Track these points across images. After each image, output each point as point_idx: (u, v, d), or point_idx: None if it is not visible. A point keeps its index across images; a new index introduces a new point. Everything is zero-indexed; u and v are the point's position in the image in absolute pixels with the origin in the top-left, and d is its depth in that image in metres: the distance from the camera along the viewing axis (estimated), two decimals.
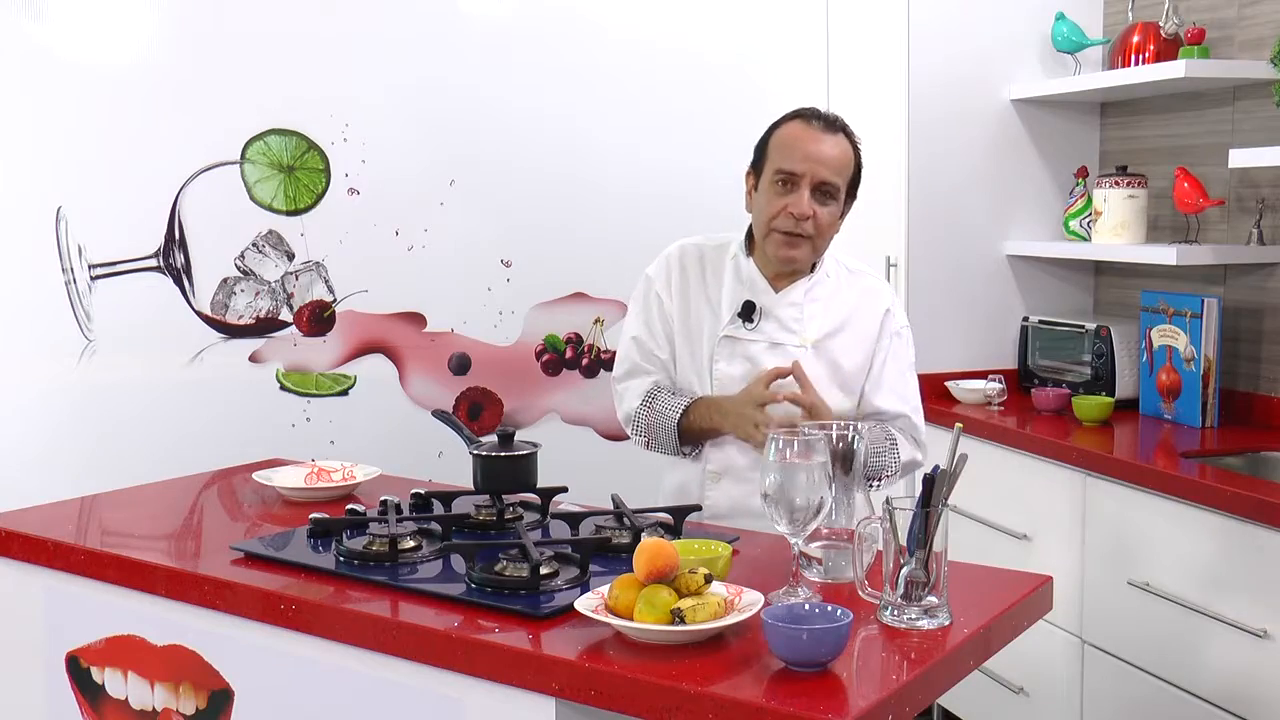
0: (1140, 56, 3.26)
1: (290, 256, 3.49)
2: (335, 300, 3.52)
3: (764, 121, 3.85)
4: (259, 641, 1.93)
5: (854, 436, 1.98)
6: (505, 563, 1.89)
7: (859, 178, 2.44)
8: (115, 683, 2.14)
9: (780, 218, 2.35)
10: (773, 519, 1.80)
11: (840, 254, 2.53)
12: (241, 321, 3.47)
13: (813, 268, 2.45)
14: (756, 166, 2.45)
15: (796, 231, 2.34)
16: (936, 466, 1.73)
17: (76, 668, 2.19)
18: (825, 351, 2.41)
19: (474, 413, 3.61)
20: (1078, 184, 3.57)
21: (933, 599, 1.71)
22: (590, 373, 3.63)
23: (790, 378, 2.31)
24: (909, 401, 2.48)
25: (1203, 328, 3.06)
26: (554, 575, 1.88)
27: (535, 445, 2.29)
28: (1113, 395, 3.29)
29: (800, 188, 2.34)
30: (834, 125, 2.40)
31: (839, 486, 1.95)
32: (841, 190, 2.38)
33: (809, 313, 2.42)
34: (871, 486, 2.33)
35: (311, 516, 2.18)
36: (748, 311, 2.41)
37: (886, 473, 2.40)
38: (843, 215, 2.44)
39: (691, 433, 2.42)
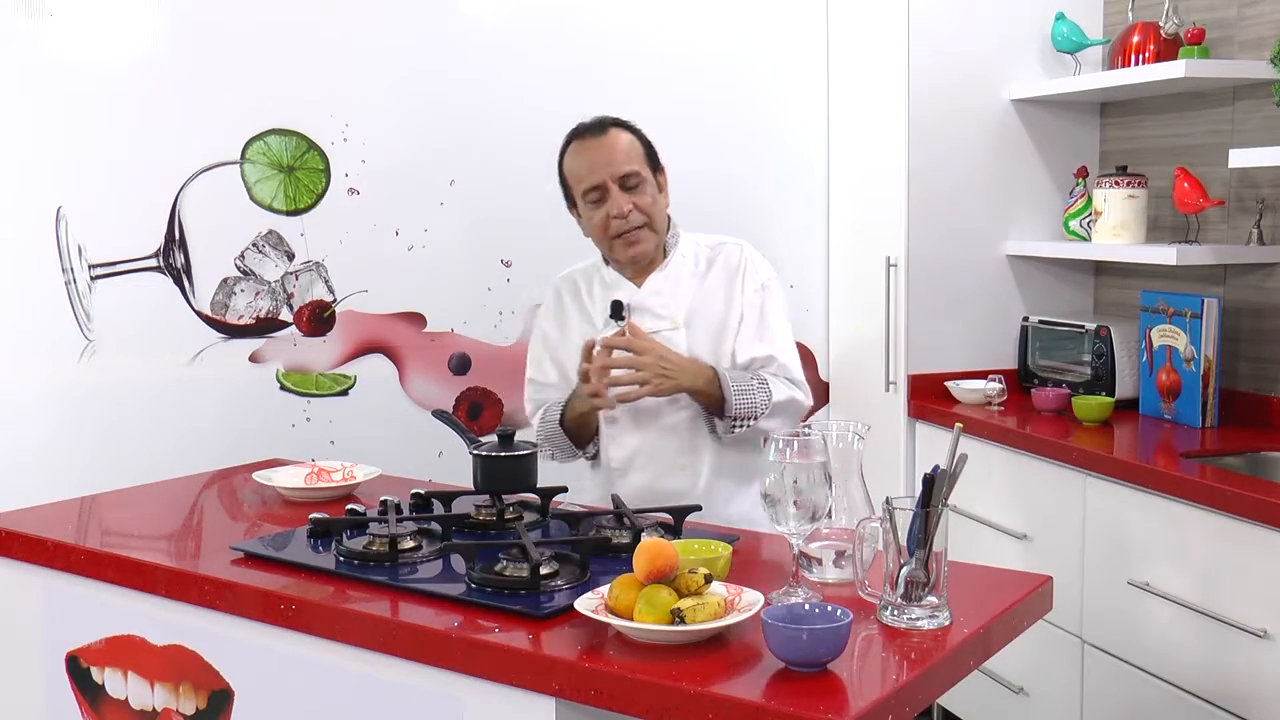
0: (1140, 56, 3.26)
1: (290, 256, 3.49)
2: (335, 300, 3.53)
3: (763, 121, 3.88)
4: (259, 641, 1.93)
5: (854, 436, 1.98)
6: (505, 563, 1.89)
7: (652, 151, 2.57)
8: (115, 683, 2.14)
9: (611, 225, 2.49)
10: (773, 519, 1.80)
11: (699, 235, 2.64)
12: (241, 321, 3.48)
13: (665, 254, 2.58)
14: (570, 201, 2.59)
15: (629, 227, 2.49)
16: (936, 466, 1.72)
17: (76, 668, 2.19)
18: (698, 325, 2.53)
19: (474, 413, 3.61)
20: (1078, 184, 3.57)
21: (933, 599, 1.71)
22: None
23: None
24: (774, 344, 2.53)
25: (1203, 328, 3.06)
26: (554, 575, 1.88)
27: (535, 445, 2.30)
28: (1113, 395, 3.29)
29: (609, 192, 2.48)
30: (602, 126, 2.54)
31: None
32: (643, 171, 2.50)
33: (671, 296, 2.55)
34: (744, 426, 2.43)
35: (311, 516, 2.18)
36: (617, 310, 2.52)
37: (758, 412, 2.44)
38: (662, 189, 2.57)
39: (573, 426, 2.54)
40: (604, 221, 2.49)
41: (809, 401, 2.53)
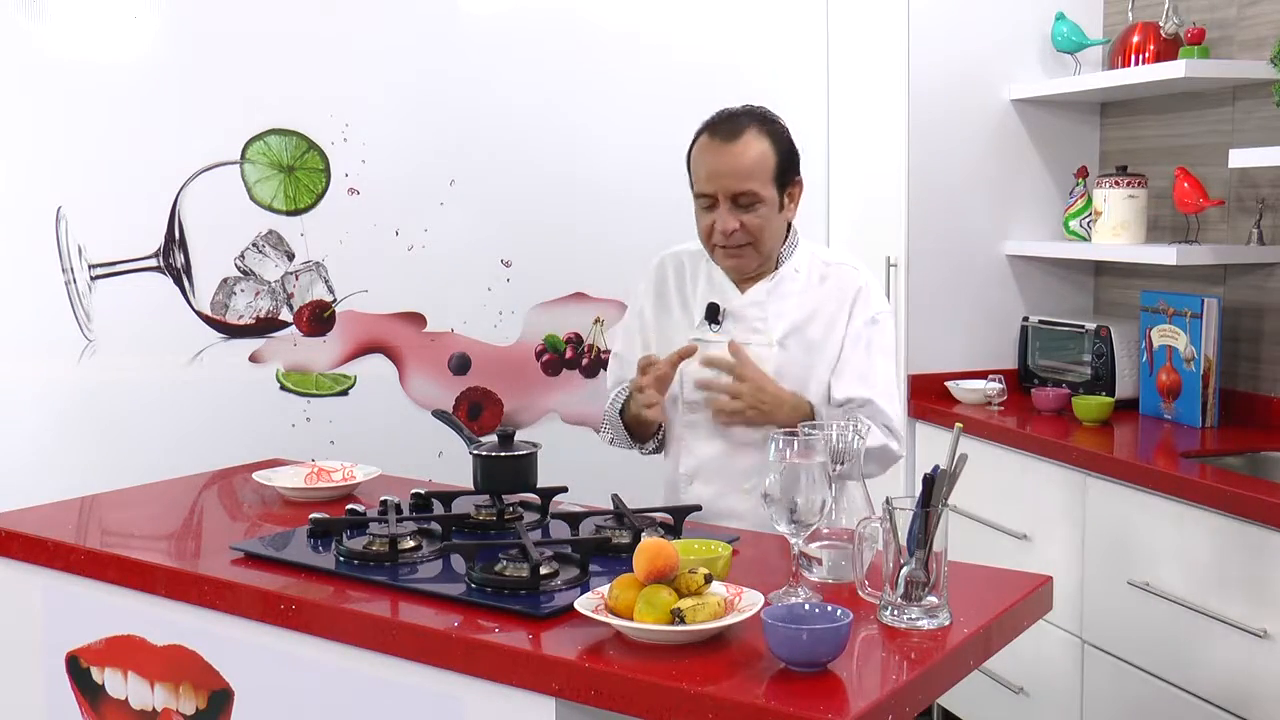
0: (1140, 56, 3.26)
1: (290, 256, 3.49)
2: (335, 300, 3.52)
3: None
4: (259, 641, 1.93)
5: (854, 436, 1.98)
6: (505, 563, 1.89)
7: (788, 162, 2.40)
8: (115, 683, 2.14)
9: (713, 235, 2.38)
10: (773, 519, 1.80)
11: (819, 248, 2.54)
12: (241, 321, 3.47)
13: (777, 265, 2.46)
14: (690, 185, 2.46)
15: (729, 244, 2.37)
16: (936, 466, 1.72)
17: (76, 668, 2.19)
18: (795, 347, 2.41)
19: (474, 413, 3.61)
20: (1078, 184, 3.57)
21: (933, 599, 1.71)
22: (590, 373, 3.63)
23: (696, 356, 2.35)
24: (874, 386, 2.40)
25: (1203, 328, 3.06)
26: (554, 575, 1.88)
27: (535, 445, 2.29)
28: (1113, 395, 3.29)
29: (719, 205, 2.35)
30: (736, 130, 2.36)
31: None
32: (764, 191, 2.35)
33: (774, 311, 2.43)
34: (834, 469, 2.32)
35: (311, 516, 2.18)
36: (712, 314, 2.44)
37: (849, 456, 2.37)
38: (789, 202, 2.42)
39: (632, 421, 2.48)
40: (708, 230, 2.38)
41: (902, 452, 2.41)
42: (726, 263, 2.42)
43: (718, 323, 2.43)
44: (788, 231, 2.47)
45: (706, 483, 2.45)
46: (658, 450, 2.57)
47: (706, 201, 2.37)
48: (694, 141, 2.43)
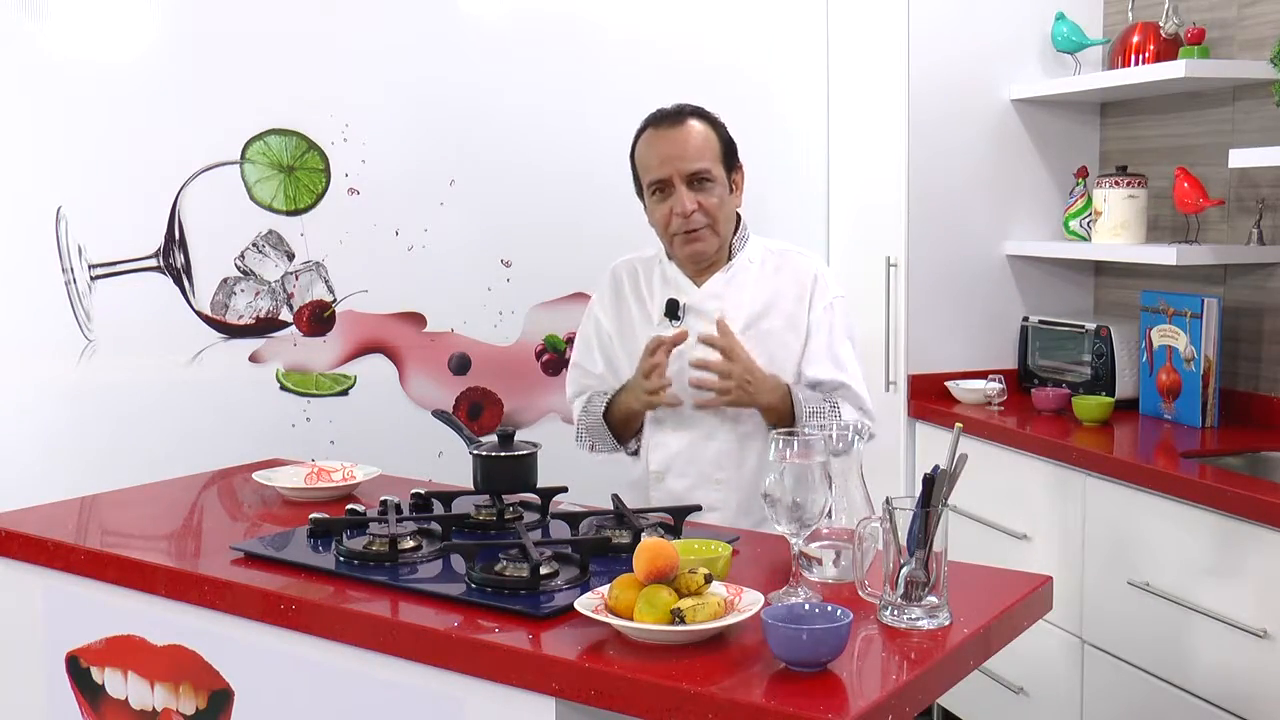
0: (1140, 56, 3.26)
1: (290, 256, 3.49)
2: (335, 300, 3.52)
3: (764, 121, 3.87)
4: (259, 641, 1.93)
5: (854, 436, 1.98)
6: (505, 563, 1.89)
7: (732, 148, 2.49)
8: (115, 683, 2.14)
9: (672, 222, 2.43)
10: (773, 519, 1.80)
11: (767, 240, 2.59)
12: (241, 321, 3.47)
13: (730, 256, 2.51)
14: (638, 188, 2.53)
15: (690, 227, 2.42)
16: (936, 466, 1.72)
17: (76, 668, 2.19)
18: (755, 336, 2.45)
19: (474, 413, 3.61)
20: (1078, 184, 3.57)
21: (933, 599, 1.71)
22: None
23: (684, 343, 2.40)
24: (845, 369, 2.48)
25: (1203, 328, 3.06)
26: (554, 575, 1.88)
27: (535, 445, 2.29)
28: (1113, 395, 3.29)
29: (675, 188, 2.41)
30: (678, 117, 2.46)
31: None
32: (715, 170, 2.43)
33: (733, 301, 2.48)
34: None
35: (311, 516, 2.18)
36: (672, 309, 2.47)
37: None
38: (735, 189, 2.50)
39: (619, 422, 2.52)
40: (666, 217, 2.43)
41: (876, 431, 2.45)
42: (686, 250, 2.46)
43: (678, 318, 2.46)
44: (738, 224, 2.53)
45: (679, 476, 2.48)
46: (639, 451, 2.58)
47: (660, 188, 2.43)
48: (636, 140, 2.50)
